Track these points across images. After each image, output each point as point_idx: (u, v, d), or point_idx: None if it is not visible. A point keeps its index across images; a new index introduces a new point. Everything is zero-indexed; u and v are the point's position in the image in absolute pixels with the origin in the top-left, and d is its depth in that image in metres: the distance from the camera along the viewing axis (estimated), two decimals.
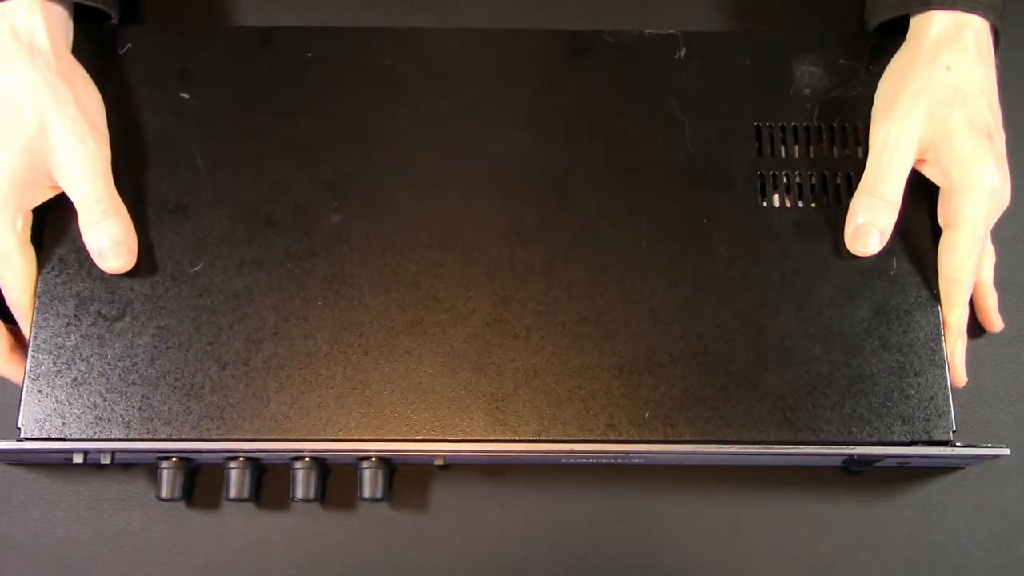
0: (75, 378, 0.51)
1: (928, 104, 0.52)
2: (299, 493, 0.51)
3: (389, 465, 0.52)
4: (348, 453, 0.51)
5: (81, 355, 0.51)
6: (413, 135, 0.56)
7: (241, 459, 0.51)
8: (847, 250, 0.54)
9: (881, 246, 0.53)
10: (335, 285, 0.53)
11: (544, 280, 0.53)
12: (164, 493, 0.51)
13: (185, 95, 0.56)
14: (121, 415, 0.50)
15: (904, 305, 0.53)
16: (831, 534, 0.55)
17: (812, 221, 0.55)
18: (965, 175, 0.52)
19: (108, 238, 0.51)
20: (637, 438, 0.51)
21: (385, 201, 0.54)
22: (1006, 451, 0.52)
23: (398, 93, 0.56)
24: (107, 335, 0.51)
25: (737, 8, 0.64)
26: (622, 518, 0.54)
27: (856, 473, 0.55)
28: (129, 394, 0.51)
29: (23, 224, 0.51)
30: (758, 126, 0.56)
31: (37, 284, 0.52)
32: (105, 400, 0.50)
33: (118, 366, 0.51)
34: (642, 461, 0.54)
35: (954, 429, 0.51)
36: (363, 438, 0.51)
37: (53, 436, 0.50)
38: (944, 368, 0.52)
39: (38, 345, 0.51)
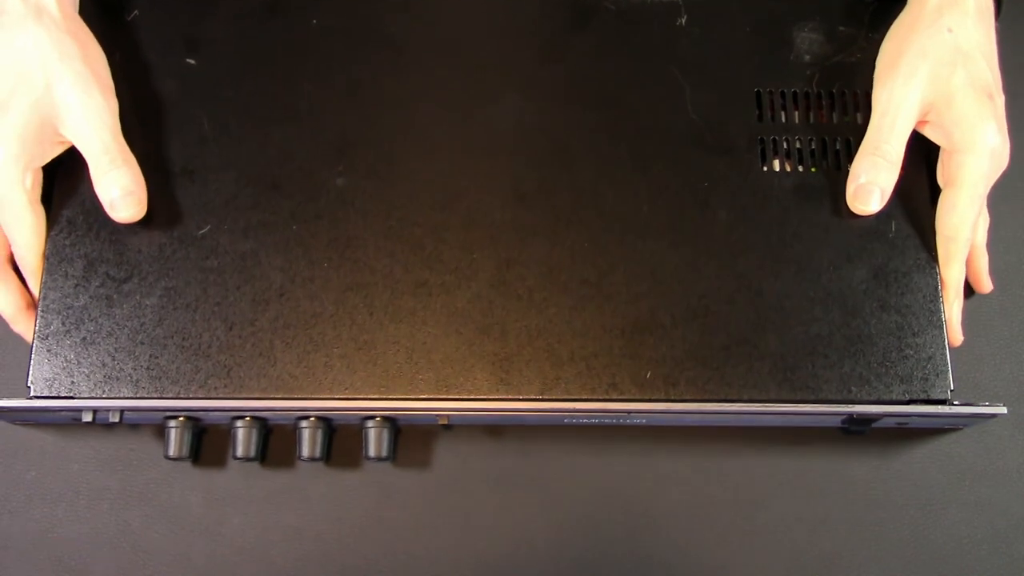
0: (84, 338, 0.51)
1: (930, 65, 0.53)
2: (305, 452, 0.52)
3: (394, 425, 0.53)
4: (353, 412, 0.52)
5: (90, 315, 0.52)
6: (417, 100, 0.56)
7: (248, 418, 0.52)
8: (848, 209, 0.54)
9: (882, 205, 0.54)
10: (340, 247, 0.53)
11: (547, 242, 0.54)
12: (172, 452, 0.52)
13: (191, 61, 0.56)
14: (129, 374, 0.51)
15: (903, 267, 0.54)
16: (828, 495, 0.55)
17: (812, 185, 0.55)
18: (966, 135, 0.53)
19: (119, 188, 0.52)
20: (639, 397, 0.51)
21: (389, 165, 0.55)
22: (1003, 410, 0.52)
23: (402, 59, 0.57)
24: (115, 296, 0.52)
25: None
26: (623, 479, 0.55)
27: (855, 433, 0.55)
28: (137, 353, 0.51)
29: (33, 182, 0.52)
30: (759, 92, 0.57)
31: (46, 244, 0.53)
32: (114, 359, 0.51)
33: (126, 326, 0.52)
34: (643, 421, 0.54)
35: (952, 388, 0.52)
36: (368, 396, 0.51)
37: (62, 395, 0.51)
38: (942, 328, 0.53)
39: (47, 306, 0.52)
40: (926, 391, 0.52)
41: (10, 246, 0.53)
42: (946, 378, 0.52)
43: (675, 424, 0.56)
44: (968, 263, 0.57)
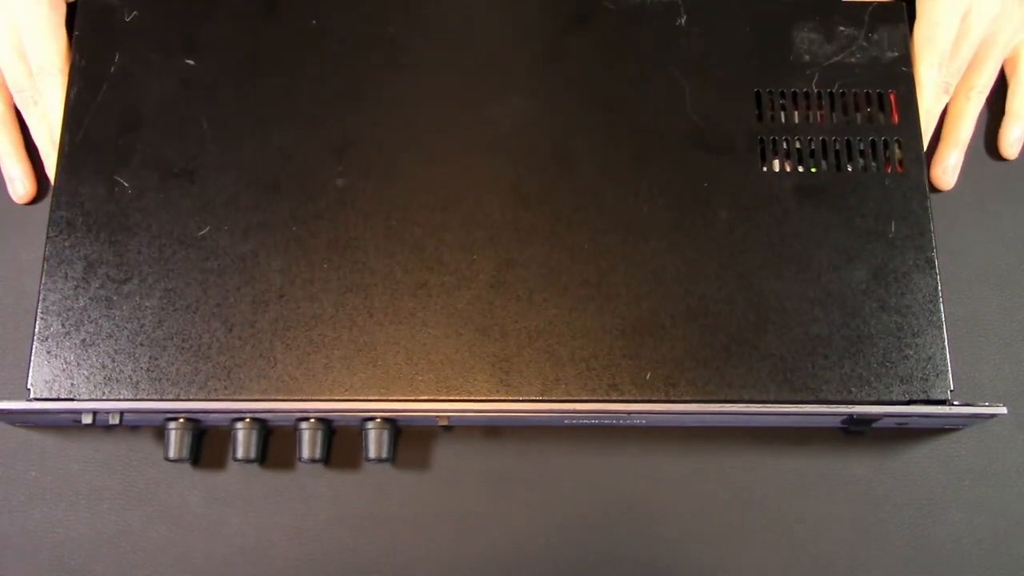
0: (84, 339, 0.51)
1: None
2: (305, 453, 0.52)
3: (394, 426, 0.53)
4: (354, 413, 0.52)
5: (89, 317, 0.52)
6: (417, 100, 0.56)
7: (248, 420, 0.52)
8: (848, 209, 0.55)
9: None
10: (340, 248, 0.53)
11: (547, 243, 0.54)
12: (171, 454, 0.52)
13: (191, 62, 0.56)
14: (129, 376, 0.51)
15: (902, 268, 0.54)
16: (828, 495, 0.55)
17: (812, 185, 0.55)
18: None
19: None
20: (639, 398, 0.51)
21: (389, 165, 0.55)
22: (1003, 410, 0.52)
23: (401, 58, 0.57)
24: (115, 297, 0.52)
25: None
26: (623, 480, 0.55)
27: (856, 433, 0.55)
28: (137, 355, 0.51)
29: (65, 10, 0.58)
30: (758, 92, 0.57)
31: (46, 246, 0.53)
32: (114, 361, 0.51)
33: (126, 328, 0.52)
34: (643, 422, 0.54)
35: (952, 388, 0.52)
36: (368, 398, 0.51)
37: (62, 396, 0.51)
38: (942, 329, 0.53)
39: (47, 307, 0.52)
40: (926, 391, 0.52)
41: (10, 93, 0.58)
42: (946, 378, 0.52)
43: (675, 424, 0.56)
44: (1002, 127, 0.61)
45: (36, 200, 0.59)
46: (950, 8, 0.58)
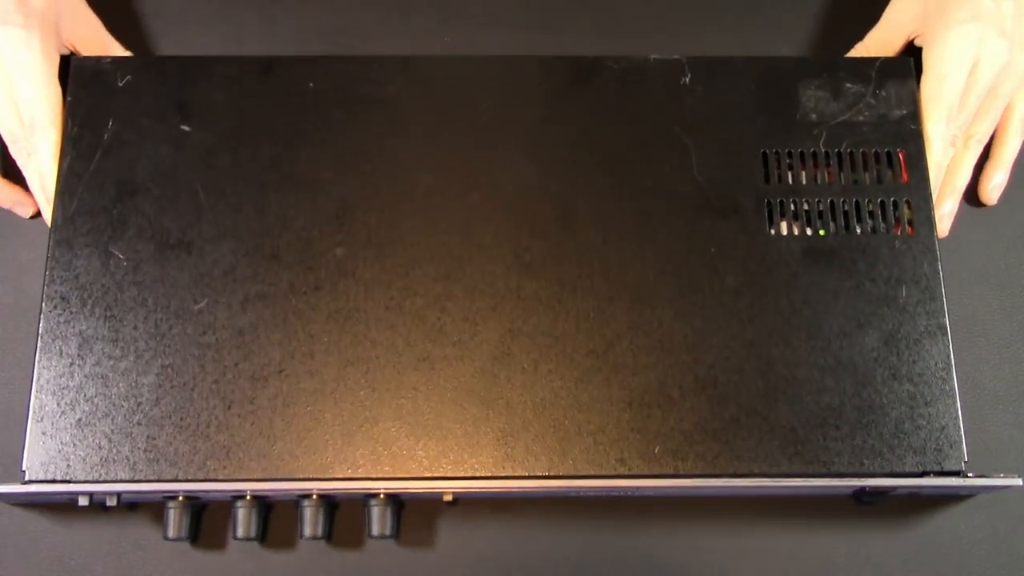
0: (79, 419, 0.50)
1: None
2: (307, 531, 0.51)
3: (397, 501, 0.52)
4: (356, 491, 0.51)
5: (85, 395, 0.51)
6: (416, 165, 0.55)
7: (248, 498, 0.51)
8: (857, 274, 0.54)
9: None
10: (340, 320, 0.52)
11: (551, 312, 0.53)
12: (171, 533, 0.51)
13: (186, 128, 0.55)
14: (127, 456, 0.50)
15: (914, 334, 0.53)
16: (840, 565, 0.54)
17: (820, 248, 0.54)
18: (936, 26, 0.58)
19: None
20: (647, 472, 0.50)
21: (389, 232, 0.54)
22: (1018, 481, 0.51)
23: (401, 122, 0.56)
24: (111, 374, 0.51)
25: (742, 33, 0.64)
26: (631, 550, 0.54)
27: (867, 503, 0.54)
28: (134, 435, 0.50)
29: (58, 63, 0.57)
30: (764, 152, 0.56)
31: (39, 322, 0.52)
32: (110, 441, 0.50)
33: (123, 406, 0.51)
34: (652, 494, 0.53)
35: (966, 459, 0.51)
36: (371, 476, 0.50)
37: (58, 478, 0.50)
38: (955, 398, 0.52)
39: (42, 385, 0.51)
40: (939, 462, 0.51)
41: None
42: (960, 449, 0.51)
43: (685, 496, 0.55)
44: (984, 173, 0.60)
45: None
46: (958, 61, 0.57)
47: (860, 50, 0.61)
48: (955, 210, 0.59)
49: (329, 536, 0.53)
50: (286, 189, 0.54)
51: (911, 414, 0.52)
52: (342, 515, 0.53)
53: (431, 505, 0.54)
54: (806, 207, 0.55)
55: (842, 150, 0.56)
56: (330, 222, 0.54)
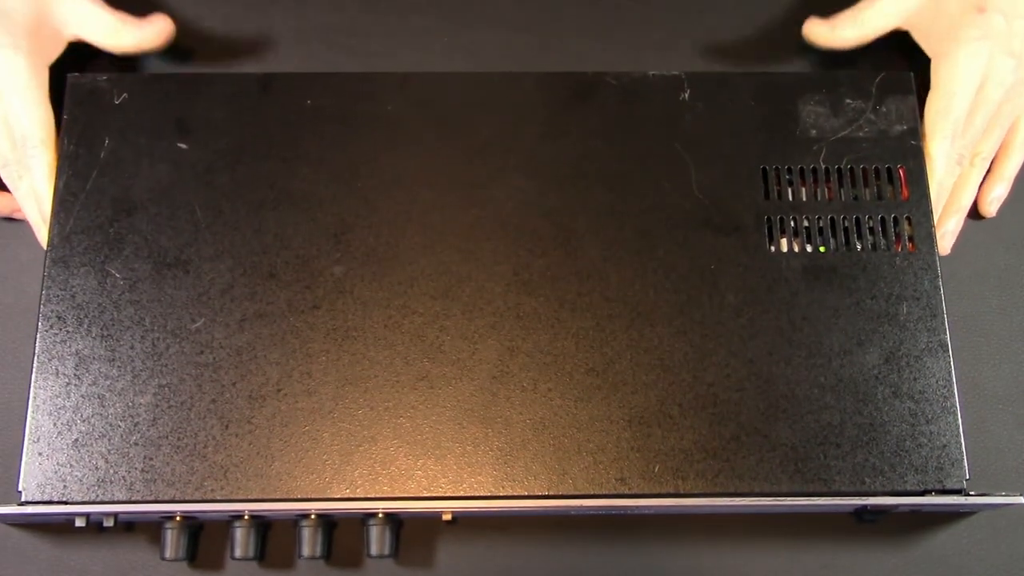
0: (76, 439, 0.50)
1: None
2: (305, 551, 0.51)
3: (396, 521, 0.52)
4: (354, 512, 0.51)
5: (82, 415, 0.50)
6: (415, 182, 0.55)
7: (246, 518, 0.51)
8: (858, 291, 0.54)
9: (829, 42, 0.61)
10: (338, 339, 0.52)
11: (550, 330, 0.52)
12: (168, 554, 0.50)
13: (183, 145, 0.55)
14: (124, 477, 0.50)
15: (915, 351, 0.53)
16: None
17: (820, 266, 0.54)
18: (942, 43, 0.58)
19: (138, 32, 0.58)
20: (647, 492, 0.50)
21: (388, 251, 0.54)
22: (1020, 499, 0.51)
23: (399, 140, 0.56)
24: (108, 394, 0.51)
25: (742, 49, 0.63)
26: (632, 569, 0.54)
27: (868, 521, 0.54)
28: (131, 455, 0.50)
29: (47, 79, 0.56)
30: (764, 169, 0.56)
31: (36, 342, 0.51)
32: (107, 462, 0.50)
33: (119, 426, 0.50)
34: (652, 512, 0.53)
35: (967, 477, 0.51)
36: (369, 496, 0.50)
37: (55, 500, 0.49)
38: (956, 415, 0.52)
39: (38, 406, 0.50)
40: (941, 481, 0.51)
41: None
42: (961, 467, 0.51)
43: (685, 514, 0.54)
44: (984, 185, 0.60)
45: None
46: (967, 79, 0.57)
47: (848, 19, 0.60)
48: (959, 228, 0.59)
49: (328, 556, 0.52)
50: (284, 207, 0.54)
51: (912, 432, 0.51)
52: (341, 535, 0.53)
53: (430, 524, 0.54)
54: (806, 224, 0.55)
55: (842, 166, 0.56)
56: (328, 240, 0.54)
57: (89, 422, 0.50)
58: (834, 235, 0.55)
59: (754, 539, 0.54)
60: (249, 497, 0.49)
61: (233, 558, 0.50)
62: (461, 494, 0.50)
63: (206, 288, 0.53)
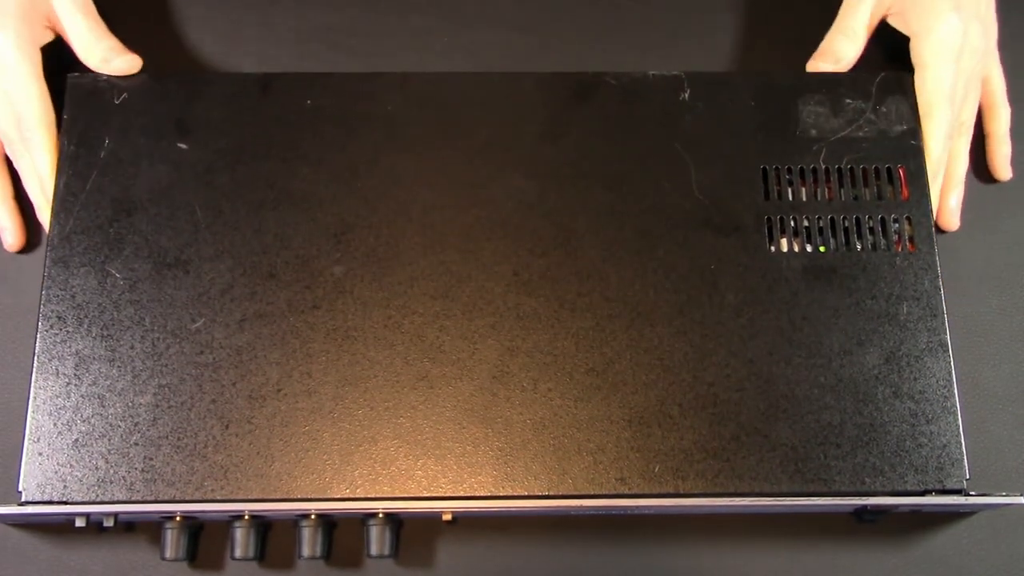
0: (76, 439, 0.50)
1: None
2: (305, 551, 0.51)
3: (396, 521, 0.52)
4: (354, 512, 0.51)
5: (82, 416, 0.50)
6: (415, 183, 0.55)
7: (246, 518, 0.51)
8: (858, 291, 0.54)
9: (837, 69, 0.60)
10: (338, 339, 0.52)
11: (550, 330, 0.52)
12: (168, 554, 0.50)
13: (183, 146, 0.55)
14: (124, 477, 0.50)
15: (915, 351, 0.53)
16: None
17: (820, 266, 0.54)
18: (921, 19, 0.58)
19: (105, 52, 0.57)
20: (647, 492, 0.50)
21: (387, 251, 0.54)
22: (1020, 499, 0.51)
23: (399, 140, 0.56)
24: (108, 394, 0.51)
25: (742, 49, 0.63)
26: (631, 569, 0.53)
27: (868, 521, 0.54)
28: (131, 455, 0.50)
29: (39, 58, 0.56)
30: (764, 169, 0.56)
31: (36, 341, 0.51)
32: (107, 462, 0.50)
33: (120, 426, 0.50)
34: (652, 512, 0.53)
35: (967, 477, 0.51)
36: (369, 496, 0.50)
37: (55, 500, 0.49)
38: (956, 415, 0.52)
39: (38, 406, 0.50)
40: (941, 481, 0.51)
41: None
42: (961, 467, 0.51)
43: (686, 514, 0.54)
44: (989, 152, 0.62)
45: (25, 250, 0.58)
46: (951, 52, 0.57)
47: (839, 38, 0.60)
48: (960, 201, 0.60)
49: (328, 556, 0.52)
50: (284, 207, 0.54)
51: (912, 432, 0.51)
52: (341, 535, 0.53)
53: (430, 525, 0.54)
54: (806, 224, 0.55)
55: (842, 166, 0.56)
56: (328, 240, 0.54)
57: (89, 422, 0.50)
58: (834, 235, 0.55)
59: (754, 539, 0.54)
60: (249, 497, 0.49)
61: (233, 558, 0.50)
62: (461, 494, 0.50)
63: (206, 288, 0.53)
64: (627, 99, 0.57)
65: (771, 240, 0.54)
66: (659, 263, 0.54)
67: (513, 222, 0.54)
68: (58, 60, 0.58)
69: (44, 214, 0.56)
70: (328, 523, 0.52)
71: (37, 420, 0.50)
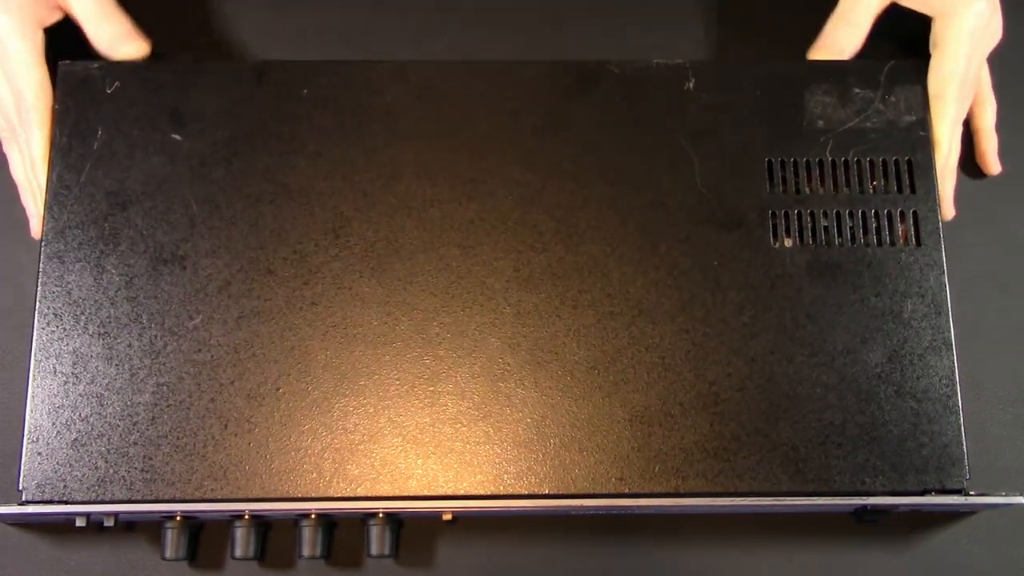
0: (75, 439, 0.50)
1: None
2: (305, 551, 0.51)
3: (396, 521, 0.52)
4: (354, 511, 0.51)
5: (80, 415, 0.50)
6: (414, 176, 0.54)
7: (246, 518, 0.51)
8: (863, 288, 0.53)
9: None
10: (337, 336, 0.52)
11: (551, 327, 0.52)
12: (169, 554, 0.51)
13: (177, 137, 0.54)
14: (123, 477, 0.49)
15: (918, 349, 0.52)
16: None
17: (824, 262, 0.53)
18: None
19: (114, 32, 0.56)
20: (647, 491, 0.50)
21: (387, 247, 0.53)
22: (1020, 500, 0.51)
23: (398, 131, 0.54)
24: (106, 393, 0.50)
25: (747, 37, 0.62)
26: (632, 568, 0.54)
27: (868, 521, 0.54)
28: (131, 455, 0.50)
29: (40, 40, 0.55)
30: (769, 161, 0.55)
31: (33, 340, 0.51)
32: (106, 462, 0.50)
33: (119, 426, 0.50)
34: (652, 511, 0.53)
35: (968, 477, 0.51)
36: (369, 495, 0.50)
37: (55, 500, 0.49)
38: (958, 414, 0.51)
39: (36, 405, 0.50)
40: (941, 481, 0.51)
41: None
42: (962, 467, 0.51)
43: (686, 513, 0.54)
44: (976, 147, 0.61)
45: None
46: (973, 38, 0.56)
47: (839, 25, 0.58)
48: (952, 190, 0.59)
49: (328, 556, 0.52)
50: (281, 201, 0.53)
51: (914, 432, 0.51)
52: (341, 534, 0.53)
53: (430, 524, 0.54)
54: (811, 218, 0.54)
55: (849, 158, 0.55)
56: (326, 235, 0.53)
57: (88, 421, 0.50)
58: (839, 230, 0.54)
59: (754, 540, 0.54)
60: (249, 497, 0.49)
61: (233, 558, 0.51)
62: (461, 494, 0.50)
63: (203, 285, 0.52)
64: (630, 89, 0.55)
65: (775, 235, 0.54)
66: (661, 259, 0.53)
67: (513, 217, 0.54)
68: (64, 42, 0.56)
69: (28, 197, 0.55)
70: (328, 523, 0.52)
71: (35, 420, 0.50)
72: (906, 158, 0.55)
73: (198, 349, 0.51)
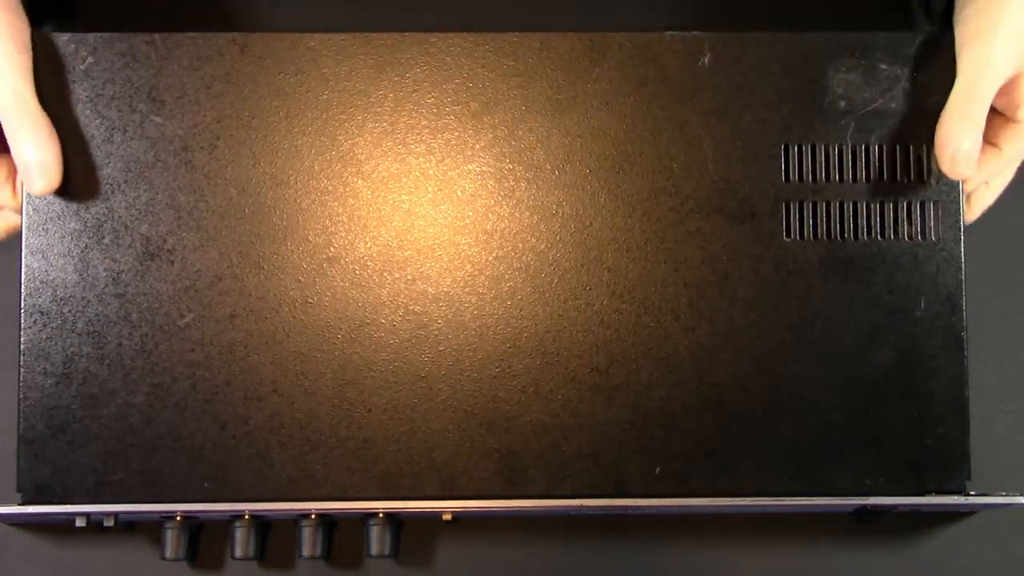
0: (71, 441, 0.49)
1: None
2: (305, 551, 0.51)
3: (396, 521, 0.52)
4: (354, 512, 0.51)
5: (75, 416, 0.49)
6: (413, 157, 0.51)
7: (246, 518, 0.51)
8: (876, 284, 0.51)
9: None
10: (334, 335, 0.50)
11: (553, 326, 0.51)
12: (169, 554, 0.51)
13: (158, 118, 0.51)
14: (122, 479, 0.49)
15: (928, 349, 0.51)
16: None
17: (837, 257, 0.51)
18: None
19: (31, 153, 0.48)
20: (647, 493, 0.50)
21: (384, 241, 0.51)
22: (1021, 499, 0.51)
23: (398, 105, 0.51)
24: (99, 394, 0.49)
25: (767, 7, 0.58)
26: (632, 569, 0.54)
27: (868, 521, 0.54)
28: (128, 456, 0.49)
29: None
30: (786, 146, 0.52)
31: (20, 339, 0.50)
32: (104, 464, 0.49)
33: (114, 427, 0.49)
34: (652, 512, 0.53)
35: (969, 478, 0.51)
36: (369, 497, 0.50)
37: (55, 500, 0.49)
38: (965, 415, 0.51)
39: (29, 407, 0.49)
40: (941, 481, 0.51)
41: None
42: (964, 467, 0.51)
43: (686, 514, 0.54)
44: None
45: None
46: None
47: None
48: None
49: (328, 556, 0.53)
50: (271, 186, 0.51)
51: (918, 434, 0.51)
52: (341, 535, 0.54)
53: (430, 525, 0.54)
54: (826, 209, 0.52)
55: (870, 143, 0.52)
56: (320, 224, 0.51)
57: (83, 423, 0.49)
58: (855, 222, 0.51)
59: (754, 540, 0.55)
60: (249, 498, 0.49)
61: (233, 558, 0.51)
62: (461, 494, 0.50)
63: (193, 280, 0.50)
64: (641, 64, 0.52)
65: (787, 227, 0.51)
66: (669, 254, 0.51)
67: (514, 209, 0.51)
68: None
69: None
70: (328, 523, 0.52)
71: (29, 422, 0.49)
72: (930, 144, 0.52)
73: (191, 348, 0.50)
